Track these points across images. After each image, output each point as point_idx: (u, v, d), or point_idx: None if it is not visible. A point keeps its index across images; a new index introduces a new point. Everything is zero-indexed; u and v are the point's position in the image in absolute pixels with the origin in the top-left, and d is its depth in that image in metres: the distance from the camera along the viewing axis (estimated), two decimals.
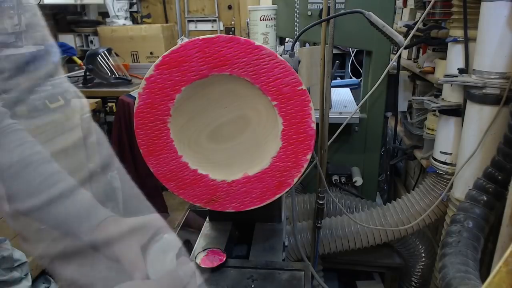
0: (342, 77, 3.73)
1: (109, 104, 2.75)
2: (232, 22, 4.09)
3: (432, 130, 1.66)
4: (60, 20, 3.46)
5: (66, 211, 0.61)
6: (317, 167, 1.40)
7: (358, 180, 1.85)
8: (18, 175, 0.62)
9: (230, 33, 4.04)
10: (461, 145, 1.40)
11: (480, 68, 1.27)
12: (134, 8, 4.01)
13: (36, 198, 0.60)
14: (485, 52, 1.25)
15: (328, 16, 1.31)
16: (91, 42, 3.53)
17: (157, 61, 0.72)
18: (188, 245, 0.59)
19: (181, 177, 0.79)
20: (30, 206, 0.60)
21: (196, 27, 4.17)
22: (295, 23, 1.73)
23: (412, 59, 2.10)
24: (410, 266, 1.82)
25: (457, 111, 1.46)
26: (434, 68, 1.69)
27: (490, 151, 1.28)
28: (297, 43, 2.00)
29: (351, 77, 3.67)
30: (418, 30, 1.59)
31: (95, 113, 2.69)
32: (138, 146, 0.77)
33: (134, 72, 3.24)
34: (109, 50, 3.03)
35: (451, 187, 1.46)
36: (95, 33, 3.54)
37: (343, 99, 2.11)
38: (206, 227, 1.00)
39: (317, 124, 0.88)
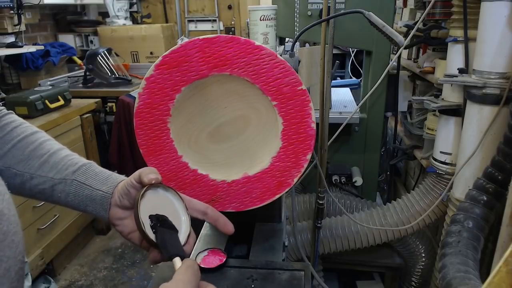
0: (342, 77, 3.72)
1: (109, 104, 2.75)
2: (232, 22, 4.09)
3: (432, 130, 1.66)
4: (60, 20, 3.46)
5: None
6: (317, 167, 1.40)
7: (358, 180, 1.85)
8: (18, 152, 0.65)
9: (230, 33, 4.04)
10: (461, 145, 1.40)
11: (480, 68, 1.27)
12: (134, 8, 4.01)
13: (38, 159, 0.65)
14: (485, 52, 1.25)
15: (328, 16, 1.31)
16: (91, 42, 3.53)
17: (157, 61, 0.72)
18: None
19: (181, 177, 0.79)
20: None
21: (196, 27, 4.18)
22: (295, 23, 1.73)
23: (412, 59, 2.10)
24: (410, 266, 1.82)
25: (457, 111, 1.46)
26: (434, 68, 1.69)
27: (490, 151, 1.28)
28: (297, 43, 2.00)
29: (351, 77, 3.66)
30: (418, 30, 1.59)
31: (95, 113, 2.69)
32: (138, 146, 0.77)
33: (134, 72, 3.24)
34: (109, 50, 3.03)
35: (451, 187, 1.46)
36: (95, 33, 3.54)
37: (343, 99, 2.11)
38: (206, 227, 1.00)
39: (317, 124, 0.88)
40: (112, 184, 0.65)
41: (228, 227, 0.68)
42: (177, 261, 0.55)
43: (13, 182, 0.63)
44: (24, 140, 0.65)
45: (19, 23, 2.61)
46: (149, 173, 0.61)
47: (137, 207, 0.59)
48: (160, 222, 0.60)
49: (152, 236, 0.59)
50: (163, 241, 0.58)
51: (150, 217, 0.60)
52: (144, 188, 0.61)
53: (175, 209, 0.64)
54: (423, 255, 1.78)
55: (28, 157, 0.64)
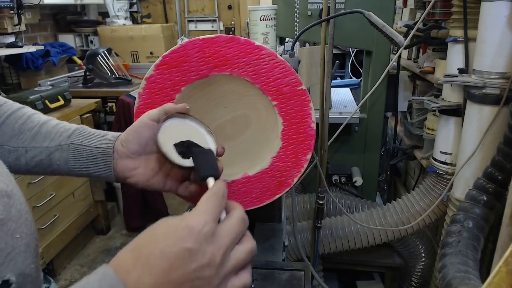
0: (342, 77, 3.72)
1: (109, 104, 2.75)
2: (232, 22, 4.09)
3: (432, 130, 1.66)
4: (60, 20, 3.46)
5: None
6: (317, 167, 1.40)
7: (358, 180, 1.85)
8: (8, 128, 0.64)
9: (230, 33, 4.04)
10: (461, 145, 1.40)
11: (480, 68, 1.27)
12: (134, 8, 4.01)
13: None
14: (485, 52, 1.25)
15: (328, 16, 1.31)
16: (91, 42, 3.53)
17: (157, 61, 0.72)
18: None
19: None
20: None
21: (196, 27, 4.17)
22: (295, 23, 1.73)
23: (412, 59, 2.10)
24: (410, 266, 1.82)
25: (457, 111, 1.46)
26: (434, 68, 1.69)
27: (490, 151, 1.28)
28: (297, 43, 2.00)
29: (351, 77, 3.66)
30: (418, 30, 1.59)
31: (95, 113, 2.69)
32: None
33: (134, 72, 3.24)
34: (109, 50, 3.03)
35: (451, 187, 1.46)
36: (95, 33, 3.54)
37: (343, 99, 2.11)
38: None
39: (317, 124, 0.88)
40: (111, 139, 0.63)
41: None
42: (210, 182, 0.52)
43: (8, 160, 0.62)
44: (11, 116, 0.64)
45: (19, 23, 2.60)
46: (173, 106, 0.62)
47: (157, 140, 0.59)
48: (186, 147, 0.59)
49: (183, 162, 0.58)
50: (197, 163, 0.56)
51: (175, 145, 0.59)
52: (163, 121, 0.61)
53: (198, 131, 0.63)
54: (423, 255, 1.78)
55: (19, 132, 0.63)
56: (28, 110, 0.67)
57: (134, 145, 0.61)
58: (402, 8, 2.32)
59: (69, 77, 3.09)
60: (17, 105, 0.67)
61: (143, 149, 0.62)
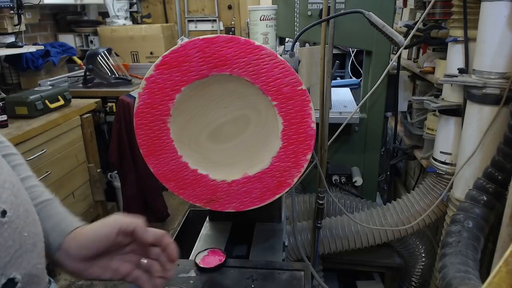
0: (342, 77, 3.72)
1: (109, 104, 2.75)
2: (232, 22, 4.09)
3: (432, 130, 1.66)
4: (60, 20, 3.46)
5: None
6: (317, 167, 1.40)
7: (358, 180, 1.85)
8: None
9: (230, 33, 4.04)
10: (461, 145, 1.40)
11: (480, 68, 1.27)
12: (134, 8, 4.01)
13: None
14: (485, 52, 1.25)
15: (328, 16, 1.31)
16: (91, 42, 3.53)
17: (157, 61, 0.72)
18: None
19: (181, 177, 0.79)
20: None
21: (196, 27, 4.17)
22: (295, 23, 1.73)
23: (412, 59, 2.10)
24: (410, 266, 1.82)
25: (457, 111, 1.46)
26: (434, 68, 1.69)
27: (490, 151, 1.28)
28: (297, 43, 2.00)
29: (351, 77, 3.66)
30: (418, 30, 1.59)
31: (95, 113, 2.69)
32: (138, 146, 0.77)
33: (134, 72, 3.24)
34: (109, 50, 3.03)
35: (451, 187, 1.46)
36: (95, 33, 3.54)
37: (343, 99, 2.11)
38: (206, 227, 1.00)
39: (317, 124, 0.88)
40: (62, 232, 0.57)
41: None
42: None
43: None
44: None
45: (19, 23, 2.60)
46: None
47: None
48: None
49: None
50: None
51: None
52: None
53: None
54: (423, 255, 1.78)
55: None
56: (16, 158, 0.61)
57: (92, 250, 0.57)
58: (402, 8, 2.33)
59: (69, 77, 3.09)
60: (9, 149, 0.61)
61: (95, 252, 0.58)
